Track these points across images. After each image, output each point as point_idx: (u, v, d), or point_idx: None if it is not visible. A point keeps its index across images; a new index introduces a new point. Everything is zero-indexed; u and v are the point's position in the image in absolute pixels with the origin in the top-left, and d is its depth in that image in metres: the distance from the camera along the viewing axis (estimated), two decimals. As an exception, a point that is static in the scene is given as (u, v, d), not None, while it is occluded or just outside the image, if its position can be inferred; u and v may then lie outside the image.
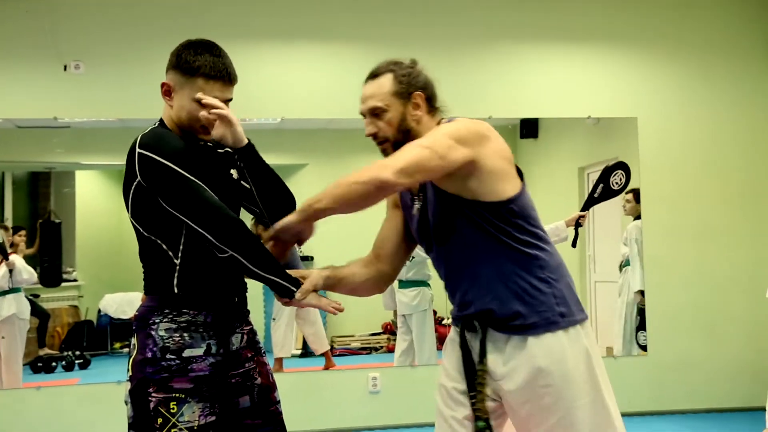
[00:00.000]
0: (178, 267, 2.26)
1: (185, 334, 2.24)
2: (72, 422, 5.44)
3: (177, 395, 2.20)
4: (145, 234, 2.29)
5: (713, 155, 6.30)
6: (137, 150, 2.22)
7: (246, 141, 2.34)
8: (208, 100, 2.27)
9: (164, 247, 2.27)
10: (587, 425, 2.16)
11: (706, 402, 6.03)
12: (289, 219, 2.21)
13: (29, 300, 6.48)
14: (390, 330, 7.32)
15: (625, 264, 6.29)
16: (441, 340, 7.44)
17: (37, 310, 6.79)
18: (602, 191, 5.09)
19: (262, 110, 5.91)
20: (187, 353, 2.23)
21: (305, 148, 7.32)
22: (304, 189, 8.71)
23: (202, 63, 2.27)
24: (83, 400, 5.55)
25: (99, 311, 7.48)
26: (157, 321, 2.25)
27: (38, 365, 6.69)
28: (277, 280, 2.24)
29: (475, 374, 2.22)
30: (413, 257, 6.29)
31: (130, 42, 5.71)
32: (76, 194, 7.60)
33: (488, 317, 2.21)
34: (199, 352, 2.25)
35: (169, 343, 2.23)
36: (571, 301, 2.23)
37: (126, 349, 7.70)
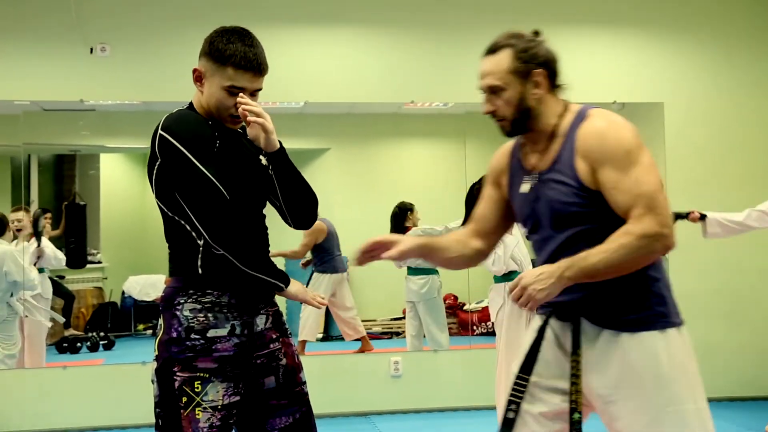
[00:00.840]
0: (201, 248, 2.28)
1: (209, 315, 2.26)
2: (97, 402, 5.51)
3: (201, 374, 2.23)
4: (170, 214, 2.31)
5: (738, 139, 6.23)
6: (159, 131, 2.25)
7: (278, 146, 2.36)
8: (246, 104, 2.29)
9: (188, 228, 2.29)
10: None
11: (727, 390, 5.98)
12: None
13: (54, 281, 6.55)
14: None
15: None
16: (462, 325, 7.46)
17: (62, 291, 6.88)
18: None
19: (285, 94, 5.91)
20: (211, 333, 2.25)
21: (328, 132, 7.32)
22: (327, 173, 8.82)
23: (233, 52, 2.28)
24: (108, 380, 5.61)
25: (123, 293, 7.56)
26: (182, 301, 2.27)
27: (63, 346, 6.78)
28: (267, 279, 2.31)
29: (568, 364, 2.13)
30: None
31: (155, 25, 5.73)
32: (100, 177, 7.67)
33: (584, 307, 2.13)
34: (223, 332, 2.26)
35: (193, 323, 2.25)
36: (670, 302, 2.14)
37: (149, 331, 7.85)
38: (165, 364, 2.27)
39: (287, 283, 2.36)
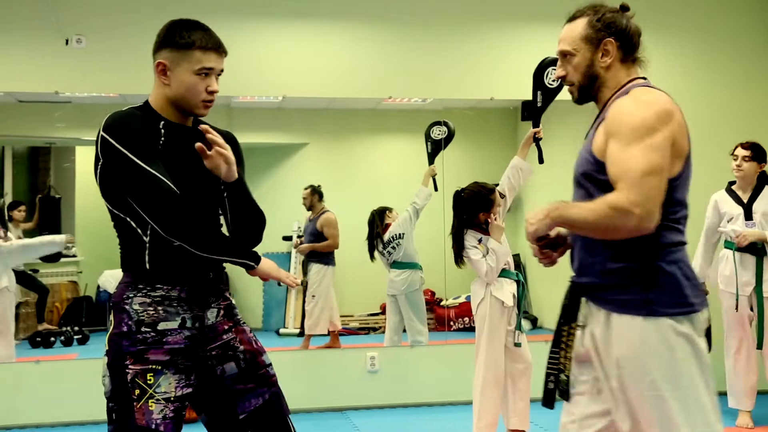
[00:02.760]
0: (147, 244, 2.31)
1: (159, 308, 2.30)
2: (70, 397, 5.47)
3: (153, 366, 2.26)
4: (115, 211, 2.35)
5: (712, 142, 6.28)
6: (100, 132, 2.29)
7: (236, 177, 2.38)
8: (213, 137, 2.31)
9: (133, 224, 2.32)
10: (659, 419, 2.12)
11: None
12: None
13: (28, 275, 6.48)
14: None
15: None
16: (439, 321, 7.48)
17: (36, 285, 6.81)
18: (543, 97, 4.85)
19: (263, 89, 5.89)
20: (161, 326, 2.29)
21: (306, 127, 7.30)
22: (305, 168, 8.79)
23: (196, 37, 2.34)
24: (81, 375, 5.57)
25: (98, 287, 7.49)
26: (131, 296, 2.30)
27: (37, 340, 6.71)
28: (235, 260, 2.35)
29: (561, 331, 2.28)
30: (401, 238, 6.29)
31: (132, 17, 5.67)
32: (76, 169, 7.60)
33: (587, 287, 2.25)
34: (174, 325, 2.30)
35: (143, 316, 2.28)
36: (668, 291, 2.14)
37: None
38: (116, 357, 2.29)
39: (257, 260, 2.39)
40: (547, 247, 2.34)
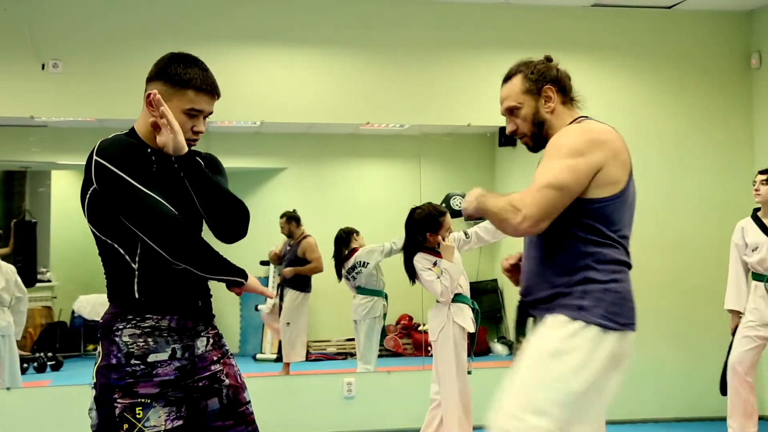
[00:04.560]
0: (137, 272, 2.28)
1: (149, 339, 2.26)
2: (43, 424, 5.39)
3: (142, 400, 2.21)
4: (102, 238, 2.30)
5: (686, 168, 6.38)
6: (94, 157, 2.24)
7: (185, 149, 2.33)
8: (162, 103, 2.29)
9: (122, 251, 2.29)
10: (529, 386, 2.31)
11: (677, 411, 6.08)
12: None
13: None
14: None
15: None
16: (416, 346, 7.46)
17: (9, 311, 6.71)
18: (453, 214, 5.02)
19: (241, 113, 5.90)
20: (151, 358, 2.25)
21: (284, 152, 7.31)
22: (283, 192, 8.78)
23: (192, 75, 2.32)
24: (55, 402, 5.50)
25: (73, 312, 7.40)
26: (121, 327, 2.26)
27: (8, 366, 6.61)
28: (228, 278, 2.34)
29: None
30: (364, 267, 6.25)
31: (108, 42, 5.68)
32: (51, 194, 7.53)
33: (530, 302, 2.48)
34: (164, 356, 2.27)
35: (133, 348, 2.24)
36: (599, 303, 2.30)
37: (99, 351, 7.67)
38: (104, 391, 2.24)
39: (246, 277, 2.38)
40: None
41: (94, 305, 7.36)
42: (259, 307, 7.07)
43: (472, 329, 4.49)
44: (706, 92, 6.44)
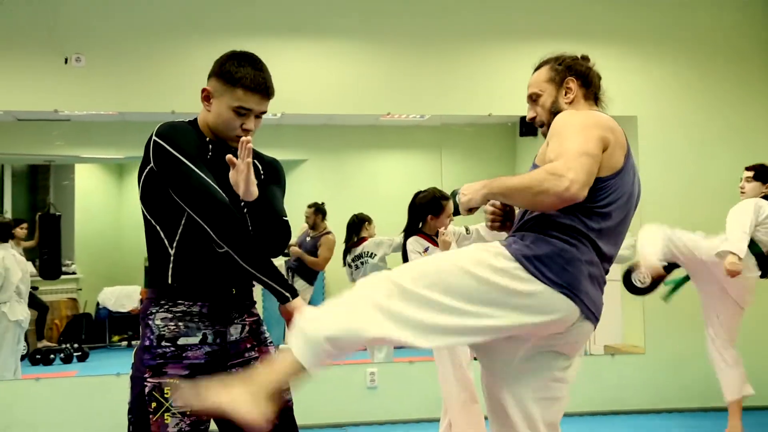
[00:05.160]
0: (172, 258, 2.34)
1: (180, 323, 2.32)
2: (70, 414, 5.46)
3: (171, 380, 2.28)
4: (148, 217, 2.37)
5: (710, 155, 6.32)
6: (153, 137, 2.31)
7: (255, 196, 2.37)
8: (244, 150, 2.30)
9: (162, 234, 2.35)
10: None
11: (701, 401, 6.04)
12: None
13: (29, 292, 6.48)
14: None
15: None
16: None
17: (35, 303, 6.80)
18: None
19: (262, 105, 5.91)
20: (182, 341, 2.31)
21: (305, 143, 7.32)
22: (304, 184, 8.77)
23: (243, 74, 2.36)
24: (81, 392, 5.56)
25: (97, 304, 7.49)
26: (154, 311, 2.33)
27: (36, 357, 6.70)
28: (272, 284, 2.33)
29: None
30: (370, 257, 6.22)
31: (131, 35, 5.71)
32: (75, 187, 7.61)
33: None
34: (194, 340, 2.32)
35: (164, 331, 2.31)
36: (569, 277, 2.17)
37: (124, 342, 7.79)
38: (137, 370, 2.33)
39: (294, 294, 2.36)
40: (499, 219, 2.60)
41: (118, 297, 7.45)
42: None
43: None
44: (728, 78, 6.38)
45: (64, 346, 6.97)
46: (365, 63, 6.08)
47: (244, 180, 2.32)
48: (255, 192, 2.36)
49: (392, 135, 7.32)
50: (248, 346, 2.45)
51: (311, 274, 6.73)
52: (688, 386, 6.10)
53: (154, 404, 2.27)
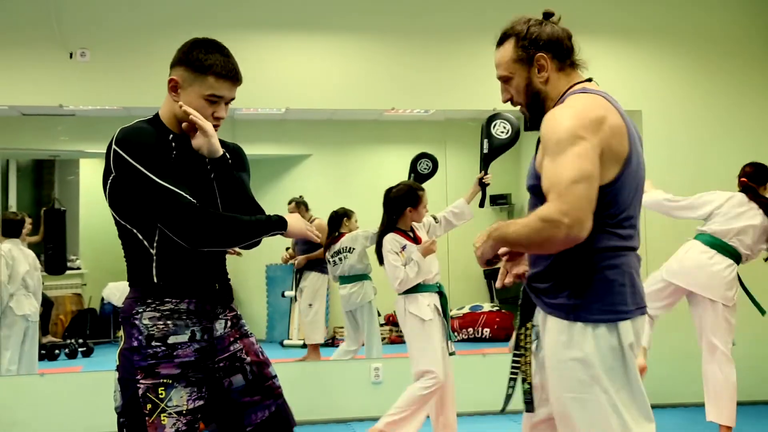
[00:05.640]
0: (155, 257, 2.31)
1: (169, 322, 2.30)
2: (75, 409, 5.47)
3: (164, 381, 2.26)
4: (122, 223, 2.35)
5: (716, 146, 6.30)
6: (113, 146, 2.27)
7: (220, 152, 2.37)
8: (190, 110, 2.32)
9: (140, 236, 2.32)
10: (573, 419, 2.12)
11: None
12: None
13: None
14: (393, 321, 7.32)
15: None
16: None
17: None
18: (489, 146, 4.98)
19: (266, 100, 5.91)
20: (171, 340, 2.29)
21: (309, 138, 7.32)
22: (308, 179, 8.76)
23: (213, 62, 2.33)
24: (86, 387, 5.57)
25: (102, 299, 7.50)
26: (140, 311, 2.30)
27: (41, 353, 6.71)
28: (269, 235, 2.37)
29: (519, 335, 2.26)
30: (349, 252, 6.19)
31: (135, 30, 5.71)
32: (80, 182, 7.62)
33: (530, 286, 2.27)
34: (183, 338, 2.30)
35: (153, 330, 2.28)
36: (597, 297, 2.11)
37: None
38: (127, 372, 2.31)
39: (285, 225, 2.40)
40: (510, 260, 2.32)
41: (123, 292, 7.38)
42: (286, 293, 7.11)
43: (428, 317, 4.39)
44: (733, 72, 6.35)
45: (69, 341, 6.98)
46: (369, 58, 6.06)
47: (204, 136, 2.32)
48: (217, 146, 2.35)
49: (396, 130, 7.31)
50: (232, 339, 2.45)
51: (321, 263, 6.66)
52: (691, 381, 6.08)
53: (149, 406, 2.25)
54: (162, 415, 2.24)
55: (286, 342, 7.41)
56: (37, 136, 6.75)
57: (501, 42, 2.37)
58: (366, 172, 7.76)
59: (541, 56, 2.28)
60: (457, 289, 6.64)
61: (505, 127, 4.98)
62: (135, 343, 2.28)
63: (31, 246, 6.41)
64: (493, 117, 5.00)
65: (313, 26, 5.98)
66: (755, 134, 6.34)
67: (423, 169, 5.87)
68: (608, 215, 2.10)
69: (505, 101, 2.40)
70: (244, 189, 2.44)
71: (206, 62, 2.32)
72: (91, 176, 7.74)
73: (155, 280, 2.31)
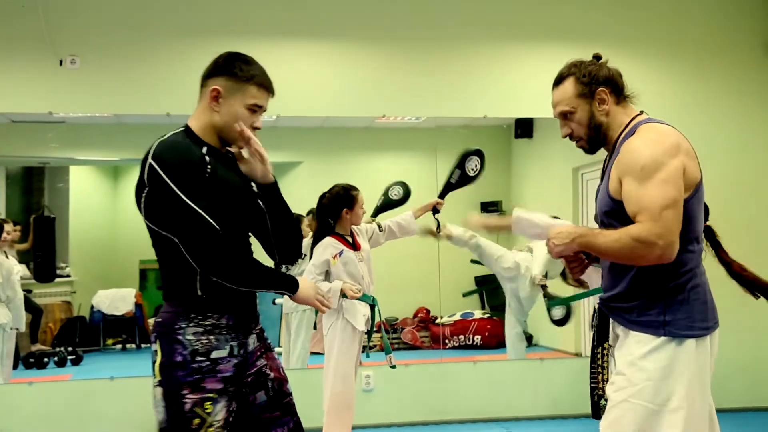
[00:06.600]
0: (199, 271, 2.28)
1: (211, 337, 2.29)
2: (63, 418, 5.43)
3: (210, 395, 2.26)
4: (164, 234, 2.29)
5: (708, 154, 6.31)
6: (149, 160, 2.24)
7: (273, 179, 2.44)
8: (249, 134, 2.37)
9: (184, 249, 2.28)
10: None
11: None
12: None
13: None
14: (384, 329, 7.31)
15: None
16: (434, 339, 7.46)
17: (30, 306, 6.77)
18: (459, 177, 5.06)
19: (257, 107, 5.90)
20: (214, 354, 2.29)
21: (301, 145, 7.32)
22: (300, 186, 8.75)
23: (256, 72, 2.41)
24: (75, 396, 5.54)
25: (92, 307, 7.47)
26: (183, 326, 2.28)
27: (30, 361, 6.67)
28: (272, 290, 2.37)
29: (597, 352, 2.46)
30: (301, 258, 6.16)
31: (126, 37, 5.70)
32: (70, 189, 7.59)
33: (611, 305, 2.41)
34: (224, 353, 2.31)
35: (197, 345, 2.28)
36: (684, 313, 2.28)
37: (118, 346, 7.74)
38: (172, 387, 2.27)
39: (295, 287, 2.39)
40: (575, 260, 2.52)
41: (112, 300, 7.43)
42: (277, 301, 7.09)
43: (362, 328, 4.39)
44: (725, 77, 6.37)
45: (58, 349, 6.94)
46: (360, 65, 6.07)
47: (259, 161, 2.39)
48: (270, 173, 2.42)
49: (388, 137, 7.32)
50: (258, 354, 2.46)
51: None
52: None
53: (197, 420, 2.25)
54: (209, 429, 2.25)
55: (276, 349, 7.38)
56: (26, 143, 6.72)
57: (559, 82, 2.51)
58: (357, 179, 7.69)
59: (602, 90, 2.44)
60: (448, 297, 6.64)
61: (476, 166, 5.07)
62: (179, 359, 2.26)
63: (20, 254, 6.38)
64: (472, 153, 5.08)
65: (304, 34, 5.98)
66: (749, 139, 6.37)
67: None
68: (685, 232, 2.28)
69: (564, 136, 2.54)
70: (292, 215, 2.50)
71: (249, 72, 2.38)
72: (81, 184, 7.72)
73: (199, 293, 2.29)
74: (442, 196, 4.95)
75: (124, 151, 6.99)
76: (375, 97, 6.03)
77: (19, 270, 6.16)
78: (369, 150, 7.58)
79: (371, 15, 6.08)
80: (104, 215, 7.78)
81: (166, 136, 2.31)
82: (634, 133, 2.36)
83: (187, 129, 2.38)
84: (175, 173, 2.21)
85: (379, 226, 4.67)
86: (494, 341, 7.30)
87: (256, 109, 2.40)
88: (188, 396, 2.25)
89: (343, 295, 4.31)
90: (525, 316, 6.31)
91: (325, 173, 7.67)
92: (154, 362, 2.31)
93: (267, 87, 2.43)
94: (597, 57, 2.53)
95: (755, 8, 6.45)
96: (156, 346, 2.31)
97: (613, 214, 2.34)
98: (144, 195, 2.26)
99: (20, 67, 5.62)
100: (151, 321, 7.60)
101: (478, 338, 7.55)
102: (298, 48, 5.99)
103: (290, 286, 2.38)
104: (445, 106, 6.11)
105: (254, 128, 2.40)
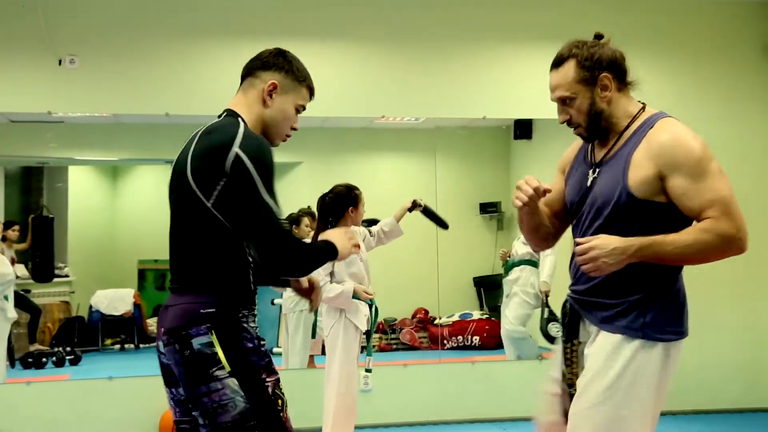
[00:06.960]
0: (252, 264, 2.31)
1: (257, 327, 2.35)
2: (62, 418, 5.43)
3: (278, 376, 2.32)
4: (228, 225, 2.24)
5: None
6: (235, 149, 2.19)
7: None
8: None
9: (244, 243, 2.28)
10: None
11: (694, 404, 6.04)
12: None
13: (20, 295, 6.46)
14: (383, 329, 7.33)
15: None
16: (433, 339, 7.47)
17: (28, 306, 6.78)
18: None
19: (256, 108, 5.90)
20: (263, 342, 2.35)
21: (300, 146, 7.30)
22: (299, 187, 8.77)
23: (308, 74, 2.45)
24: (74, 396, 5.53)
25: (90, 307, 7.47)
26: (246, 313, 2.30)
27: (28, 361, 6.67)
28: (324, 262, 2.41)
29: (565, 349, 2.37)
30: None
31: (125, 37, 5.69)
32: (68, 189, 7.59)
33: (584, 302, 2.33)
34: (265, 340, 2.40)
35: (257, 332, 2.32)
36: (662, 316, 2.23)
37: (117, 346, 7.74)
38: (250, 374, 2.25)
39: (336, 252, 2.38)
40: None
41: (111, 300, 7.43)
42: (275, 301, 7.09)
43: (364, 328, 4.41)
44: (724, 83, 6.38)
45: (56, 349, 6.93)
46: (359, 65, 6.07)
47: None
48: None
49: (387, 137, 7.32)
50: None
51: None
52: (681, 390, 6.09)
53: (280, 401, 2.29)
54: (286, 408, 2.30)
55: (275, 350, 7.39)
56: (25, 143, 6.72)
57: (559, 64, 2.36)
58: (356, 179, 7.68)
59: (605, 76, 2.31)
60: (447, 297, 6.64)
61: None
62: (250, 345, 2.27)
63: (18, 253, 6.38)
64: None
65: (303, 34, 5.98)
66: (748, 142, 6.37)
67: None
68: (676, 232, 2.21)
69: (562, 122, 2.39)
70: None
71: (304, 72, 2.42)
72: (80, 183, 7.72)
73: (252, 288, 2.32)
74: (419, 203, 4.96)
75: (123, 151, 6.99)
76: (374, 98, 6.03)
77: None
78: (368, 150, 7.58)
79: (371, 15, 6.08)
80: (103, 215, 7.78)
81: (248, 132, 2.26)
82: (653, 127, 2.25)
83: (243, 120, 2.33)
84: (261, 169, 2.19)
85: (370, 232, 4.68)
86: (493, 342, 7.30)
87: (300, 110, 2.42)
88: (267, 380, 2.28)
89: (355, 296, 4.33)
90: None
91: (324, 173, 7.67)
92: (214, 354, 2.24)
93: (313, 91, 2.46)
94: (599, 36, 2.40)
95: (753, 12, 6.45)
96: (211, 338, 2.22)
97: (626, 208, 2.21)
98: (221, 185, 2.20)
99: (19, 67, 5.62)
100: (150, 321, 7.60)
101: (476, 339, 7.55)
102: (297, 48, 5.93)
103: (334, 254, 2.37)
104: (444, 106, 6.11)
105: (293, 129, 2.42)
